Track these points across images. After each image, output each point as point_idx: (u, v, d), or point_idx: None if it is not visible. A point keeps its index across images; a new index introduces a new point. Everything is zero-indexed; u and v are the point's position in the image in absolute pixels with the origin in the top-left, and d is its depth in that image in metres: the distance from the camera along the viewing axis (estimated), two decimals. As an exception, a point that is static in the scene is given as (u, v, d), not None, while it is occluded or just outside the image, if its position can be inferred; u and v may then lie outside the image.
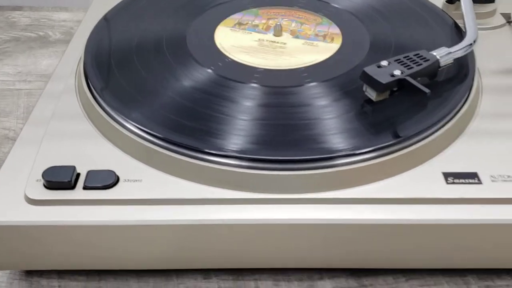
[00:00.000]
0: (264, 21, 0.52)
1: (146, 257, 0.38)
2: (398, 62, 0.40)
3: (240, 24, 0.52)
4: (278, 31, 0.50)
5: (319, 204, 0.36)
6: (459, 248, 0.37)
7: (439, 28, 0.50)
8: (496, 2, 0.57)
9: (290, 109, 0.41)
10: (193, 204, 0.36)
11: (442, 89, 0.43)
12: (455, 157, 0.39)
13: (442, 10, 0.53)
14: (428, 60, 0.40)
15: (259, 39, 0.49)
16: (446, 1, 0.54)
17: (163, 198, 0.36)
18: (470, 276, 0.40)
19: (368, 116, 0.40)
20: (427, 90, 0.37)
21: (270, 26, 0.51)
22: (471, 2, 0.49)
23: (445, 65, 0.42)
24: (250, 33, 0.50)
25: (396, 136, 0.38)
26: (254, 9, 0.54)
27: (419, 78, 0.40)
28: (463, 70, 0.45)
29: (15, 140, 0.42)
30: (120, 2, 0.56)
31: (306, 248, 0.37)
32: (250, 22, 0.52)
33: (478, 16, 0.55)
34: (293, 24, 0.52)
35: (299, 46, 0.49)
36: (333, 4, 0.55)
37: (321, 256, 0.38)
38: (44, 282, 0.39)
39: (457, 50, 0.42)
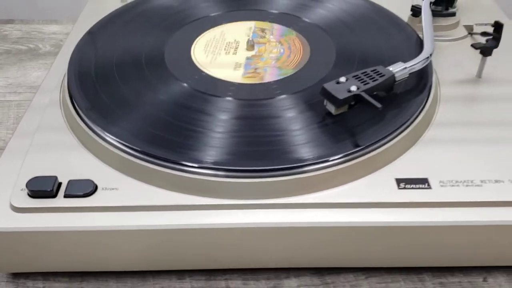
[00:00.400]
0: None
1: (124, 259, 0.41)
2: (356, 78, 0.43)
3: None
4: (250, 46, 0.53)
5: (285, 208, 0.39)
6: (413, 247, 0.40)
7: (403, 41, 0.54)
8: (459, 15, 0.60)
9: (260, 121, 0.44)
10: (167, 210, 0.39)
11: (401, 100, 0.46)
12: (409, 164, 0.42)
13: (406, 23, 0.57)
14: (384, 75, 0.43)
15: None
16: (411, 15, 0.58)
17: (138, 205, 0.39)
18: (425, 274, 0.43)
19: (329, 128, 0.43)
20: (379, 105, 0.40)
21: (241, 42, 0.55)
22: (431, 17, 0.52)
23: (401, 79, 0.45)
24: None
25: (354, 145, 0.41)
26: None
27: (375, 92, 0.43)
28: (421, 81, 0.48)
29: (3, 150, 0.45)
30: (104, 17, 0.59)
31: (273, 249, 0.41)
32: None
33: (442, 28, 0.58)
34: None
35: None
36: (303, 18, 0.58)
37: (287, 257, 0.41)
38: (30, 283, 0.42)
39: (413, 65, 0.46)
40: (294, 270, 0.43)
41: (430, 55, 0.47)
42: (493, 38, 0.49)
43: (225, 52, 0.53)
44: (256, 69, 0.50)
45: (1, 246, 0.39)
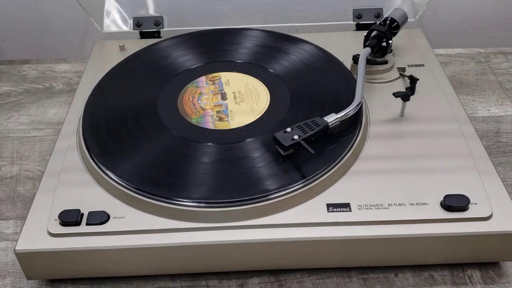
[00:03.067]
0: (210, 111, 0.67)
1: (130, 267, 0.56)
2: (299, 128, 0.58)
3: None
4: (223, 97, 0.67)
5: (248, 229, 0.54)
6: (341, 253, 0.55)
7: (345, 88, 0.68)
8: (394, 58, 0.74)
9: (228, 162, 0.59)
10: (162, 233, 0.54)
11: (334, 139, 0.60)
12: (337, 192, 0.57)
13: (349, 71, 0.71)
14: (319, 125, 0.58)
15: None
16: (353, 62, 0.72)
17: (140, 229, 0.54)
18: (352, 272, 0.58)
19: (280, 165, 0.58)
20: (312, 151, 0.55)
21: (212, 104, 0.68)
22: (364, 68, 0.66)
23: (333, 127, 0.59)
24: (230, 111, 0.67)
25: (297, 180, 0.56)
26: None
27: (313, 138, 0.58)
28: (353, 123, 0.62)
29: (34, 179, 0.60)
30: (111, 70, 0.74)
31: (240, 257, 0.56)
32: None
33: (379, 72, 0.73)
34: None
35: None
36: (266, 68, 0.73)
37: (250, 262, 0.57)
38: (62, 286, 0.58)
39: (344, 115, 0.60)
40: (256, 272, 0.58)
41: (359, 104, 0.62)
42: (409, 88, 0.63)
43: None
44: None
45: (42, 261, 0.54)
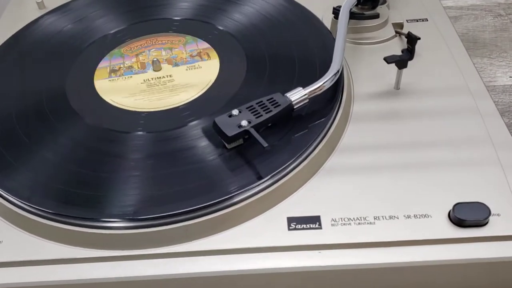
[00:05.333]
0: (134, 60, 0.52)
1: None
2: (250, 110, 0.41)
3: (114, 71, 0.52)
4: (157, 66, 0.50)
5: (163, 258, 0.38)
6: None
7: (321, 52, 0.51)
8: (388, 12, 0.56)
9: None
10: (55, 265, 0.38)
11: (302, 124, 0.44)
12: (303, 200, 0.40)
13: (327, 29, 0.54)
14: (279, 105, 0.41)
15: (144, 80, 0.50)
16: (334, 17, 0.54)
17: (24, 260, 0.39)
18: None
19: (221, 165, 0.41)
20: (265, 145, 0.38)
21: (144, 63, 0.52)
22: (345, 26, 0.49)
23: (300, 106, 0.43)
24: (131, 76, 0.51)
25: (242, 185, 0.39)
26: (116, 50, 0.54)
27: (270, 124, 0.41)
28: (329, 102, 0.45)
29: None
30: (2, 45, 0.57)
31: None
32: (122, 66, 0.52)
33: (368, 29, 0.55)
34: (164, 53, 0.53)
35: (185, 73, 0.50)
36: (214, 24, 0.56)
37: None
38: None
39: (315, 88, 0.43)
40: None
41: (336, 73, 0.45)
42: (407, 50, 0.46)
43: (134, 82, 0.51)
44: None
45: None
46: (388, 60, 0.46)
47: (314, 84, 0.44)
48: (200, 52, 0.52)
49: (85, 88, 0.50)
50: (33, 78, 0.52)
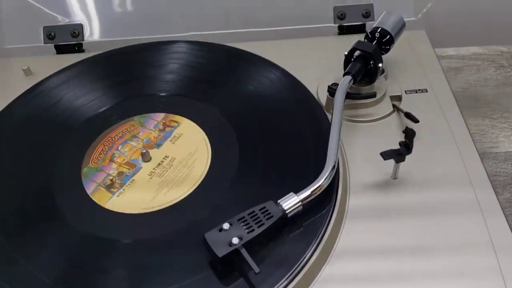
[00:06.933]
0: (115, 165, 0.49)
1: None
2: (242, 222, 0.39)
3: (111, 186, 0.47)
4: (147, 156, 0.49)
5: None
6: None
7: (315, 139, 0.49)
8: (386, 83, 0.54)
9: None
10: None
11: (296, 224, 0.42)
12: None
13: (323, 111, 0.51)
14: (272, 217, 0.40)
15: (149, 174, 0.48)
16: (329, 95, 0.52)
17: None
18: None
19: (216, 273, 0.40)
20: (257, 270, 0.37)
21: (129, 162, 0.49)
22: (340, 115, 0.46)
23: (293, 214, 0.41)
24: (133, 180, 0.47)
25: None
26: (85, 169, 0.48)
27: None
28: (324, 199, 0.44)
29: None
30: None
31: None
32: (112, 178, 0.48)
33: (365, 105, 0.53)
34: (134, 143, 0.50)
35: (175, 146, 0.49)
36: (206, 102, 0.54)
37: None
38: None
39: (308, 194, 0.42)
40: None
41: (329, 173, 0.43)
42: (404, 145, 0.44)
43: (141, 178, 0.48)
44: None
45: None
46: (384, 156, 0.44)
47: (306, 190, 0.42)
48: (164, 123, 0.51)
49: (103, 215, 0.46)
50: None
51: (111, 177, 0.48)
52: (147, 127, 0.52)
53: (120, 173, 0.48)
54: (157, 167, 0.48)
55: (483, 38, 0.73)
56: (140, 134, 0.51)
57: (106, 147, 0.50)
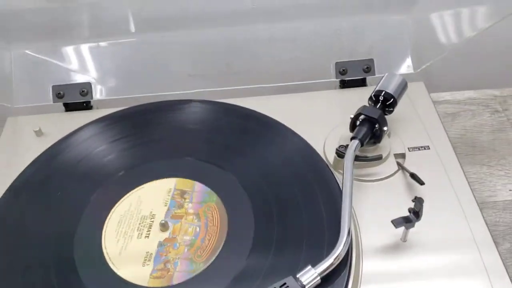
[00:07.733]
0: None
1: None
2: (264, 300, 0.41)
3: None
4: (163, 227, 0.50)
5: None
6: None
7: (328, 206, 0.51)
8: (389, 142, 0.56)
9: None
10: None
11: None
12: None
13: (333, 176, 0.53)
14: (292, 293, 0.42)
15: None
16: (337, 156, 0.54)
17: None
18: None
19: None
20: None
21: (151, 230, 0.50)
22: (351, 183, 0.48)
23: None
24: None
25: None
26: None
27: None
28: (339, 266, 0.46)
29: None
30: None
31: None
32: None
33: (371, 164, 0.55)
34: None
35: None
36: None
37: None
38: None
39: (326, 267, 0.43)
40: None
41: (345, 242, 0.45)
42: (413, 213, 0.47)
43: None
44: (166, 262, 0.47)
45: None
46: (396, 225, 0.46)
47: (325, 261, 0.44)
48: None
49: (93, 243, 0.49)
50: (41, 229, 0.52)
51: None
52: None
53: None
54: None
55: (477, 82, 0.76)
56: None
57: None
